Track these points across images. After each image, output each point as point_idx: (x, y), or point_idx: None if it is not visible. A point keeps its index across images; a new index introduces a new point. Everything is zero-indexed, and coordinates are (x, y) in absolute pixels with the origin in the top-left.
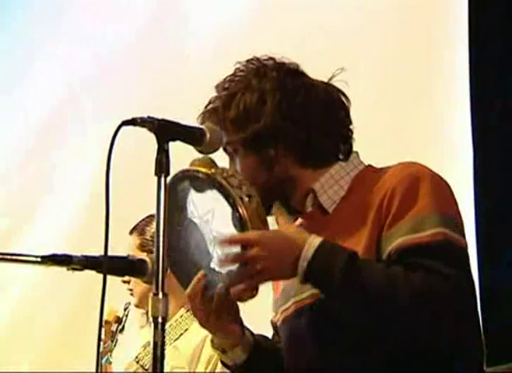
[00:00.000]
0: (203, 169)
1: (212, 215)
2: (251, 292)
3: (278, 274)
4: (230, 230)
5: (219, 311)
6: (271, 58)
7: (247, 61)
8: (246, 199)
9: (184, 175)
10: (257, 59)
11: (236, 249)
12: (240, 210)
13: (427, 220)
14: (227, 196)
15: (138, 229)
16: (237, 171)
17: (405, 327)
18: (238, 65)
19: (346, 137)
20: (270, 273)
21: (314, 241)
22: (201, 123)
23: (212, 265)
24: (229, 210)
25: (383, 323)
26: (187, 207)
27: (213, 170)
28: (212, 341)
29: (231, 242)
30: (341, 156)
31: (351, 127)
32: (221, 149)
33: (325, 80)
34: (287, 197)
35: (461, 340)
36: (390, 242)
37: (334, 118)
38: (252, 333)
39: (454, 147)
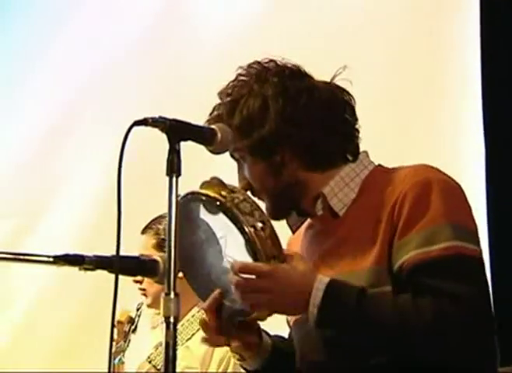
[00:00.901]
0: (212, 194)
1: (225, 241)
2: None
3: (284, 310)
4: (244, 256)
5: (230, 335)
6: (272, 61)
7: (249, 65)
8: (259, 225)
9: (193, 196)
10: (259, 63)
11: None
12: (252, 240)
13: (439, 232)
14: (239, 226)
15: (154, 229)
16: (246, 178)
17: (422, 357)
18: (239, 70)
19: (352, 137)
20: (275, 307)
21: (321, 284)
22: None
23: (227, 285)
24: (241, 237)
25: (399, 358)
26: (201, 223)
27: (223, 193)
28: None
29: (243, 269)
30: (349, 157)
31: (357, 126)
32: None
33: (329, 80)
34: (297, 201)
35: (476, 358)
36: (401, 254)
37: (339, 118)
38: (270, 336)
39: (465, 146)
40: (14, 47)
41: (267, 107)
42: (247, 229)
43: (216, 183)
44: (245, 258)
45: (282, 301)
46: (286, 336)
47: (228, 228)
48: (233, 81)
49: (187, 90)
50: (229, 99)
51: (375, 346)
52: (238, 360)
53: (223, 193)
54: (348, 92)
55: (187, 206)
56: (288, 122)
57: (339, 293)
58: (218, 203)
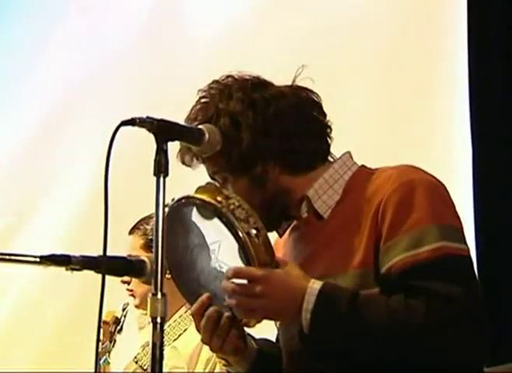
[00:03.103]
0: (207, 199)
1: (218, 246)
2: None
3: (277, 316)
4: (237, 262)
5: (223, 335)
6: (229, 76)
7: (207, 86)
8: (253, 232)
9: (188, 201)
10: (217, 82)
11: (241, 281)
12: (246, 247)
13: (426, 233)
14: (233, 232)
15: (141, 229)
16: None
17: (416, 358)
18: (199, 93)
19: (326, 135)
20: (268, 312)
21: (313, 290)
22: (182, 161)
23: (218, 290)
24: (235, 243)
25: (393, 359)
26: (192, 229)
27: (219, 198)
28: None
29: (238, 274)
30: (326, 156)
31: (329, 123)
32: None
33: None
34: (286, 209)
35: (468, 355)
36: (389, 257)
37: (310, 119)
38: (255, 340)
39: (453, 146)
40: (7, 48)
41: (238, 124)
42: (241, 235)
43: (212, 188)
44: (238, 264)
45: (276, 306)
46: (274, 339)
47: (222, 234)
48: (195, 105)
49: (180, 90)
50: (197, 123)
51: (368, 351)
52: (224, 365)
53: (219, 198)
54: (312, 91)
55: (180, 210)
56: (262, 133)
57: (332, 297)
58: (213, 208)
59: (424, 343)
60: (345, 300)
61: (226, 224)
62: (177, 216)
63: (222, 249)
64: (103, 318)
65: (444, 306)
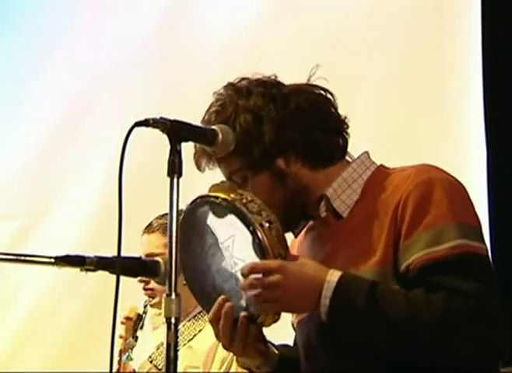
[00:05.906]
0: (222, 195)
1: (232, 241)
2: (273, 317)
3: (295, 306)
4: (251, 256)
5: (243, 336)
6: (244, 79)
7: (223, 88)
8: (266, 225)
9: (202, 200)
10: (231, 84)
11: (258, 275)
12: (261, 237)
13: (445, 231)
14: (247, 224)
15: (162, 228)
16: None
17: (431, 353)
18: (215, 96)
19: (344, 132)
20: (287, 303)
21: (333, 277)
22: (197, 163)
23: (234, 290)
24: (249, 236)
25: (408, 351)
26: (207, 231)
27: (232, 195)
28: (237, 359)
29: (253, 269)
30: (344, 153)
31: (346, 120)
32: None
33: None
34: (305, 207)
35: (482, 357)
36: (408, 255)
37: (329, 114)
38: (275, 347)
39: (467, 146)
40: (22, 45)
41: (260, 118)
42: (255, 226)
43: (225, 186)
44: (252, 258)
45: (293, 296)
46: (291, 343)
47: (236, 229)
48: (210, 107)
49: (194, 90)
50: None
51: (384, 342)
52: (246, 370)
53: (232, 195)
54: (327, 89)
55: (195, 212)
56: (285, 127)
57: (351, 285)
58: (226, 203)
59: (439, 339)
60: (364, 288)
61: (239, 217)
62: (192, 219)
63: (236, 244)
64: (127, 314)
65: (464, 302)
